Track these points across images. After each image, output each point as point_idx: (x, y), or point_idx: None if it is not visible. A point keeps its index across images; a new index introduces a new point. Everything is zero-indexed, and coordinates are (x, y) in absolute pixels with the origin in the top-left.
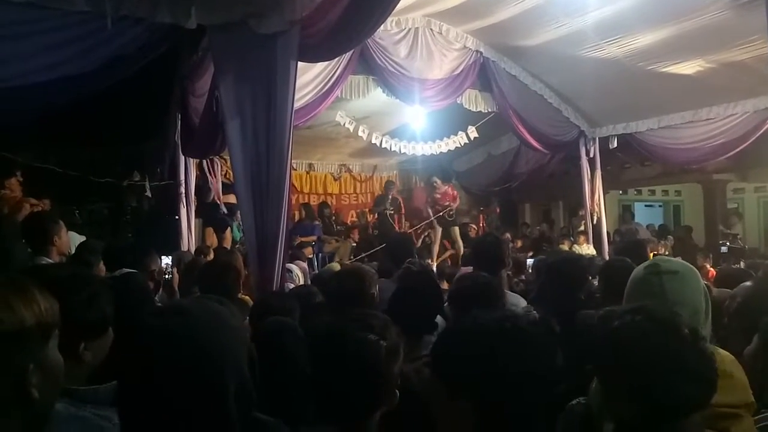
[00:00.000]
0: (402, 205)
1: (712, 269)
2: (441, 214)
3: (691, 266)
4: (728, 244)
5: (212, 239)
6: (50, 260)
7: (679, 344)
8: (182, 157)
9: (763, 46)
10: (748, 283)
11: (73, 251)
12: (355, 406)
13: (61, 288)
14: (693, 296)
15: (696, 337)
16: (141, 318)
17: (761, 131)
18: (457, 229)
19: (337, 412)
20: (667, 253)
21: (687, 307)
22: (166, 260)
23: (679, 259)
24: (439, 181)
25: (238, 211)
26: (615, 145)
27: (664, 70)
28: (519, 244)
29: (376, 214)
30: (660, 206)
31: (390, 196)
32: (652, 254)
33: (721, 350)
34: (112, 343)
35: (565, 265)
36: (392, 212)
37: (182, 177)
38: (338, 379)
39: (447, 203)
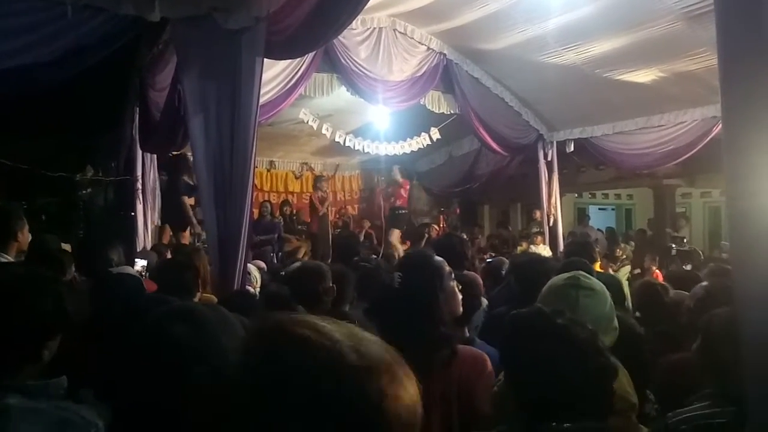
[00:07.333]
0: (326, 197)
1: (656, 271)
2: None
3: (604, 287)
4: (675, 246)
5: (168, 238)
6: (9, 257)
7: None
8: (140, 153)
9: (711, 57)
10: (704, 284)
11: None
12: None
13: (27, 289)
14: (600, 315)
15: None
16: (144, 320)
17: (708, 138)
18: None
19: None
20: (625, 256)
21: (591, 323)
22: (142, 262)
23: (595, 279)
24: (399, 175)
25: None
26: (572, 149)
27: (619, 77)
28: (479, 244)
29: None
30: (613, 209)
31: (319, 194)
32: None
33: None
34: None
35: (529, 267)
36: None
37: (139, 173)
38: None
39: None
